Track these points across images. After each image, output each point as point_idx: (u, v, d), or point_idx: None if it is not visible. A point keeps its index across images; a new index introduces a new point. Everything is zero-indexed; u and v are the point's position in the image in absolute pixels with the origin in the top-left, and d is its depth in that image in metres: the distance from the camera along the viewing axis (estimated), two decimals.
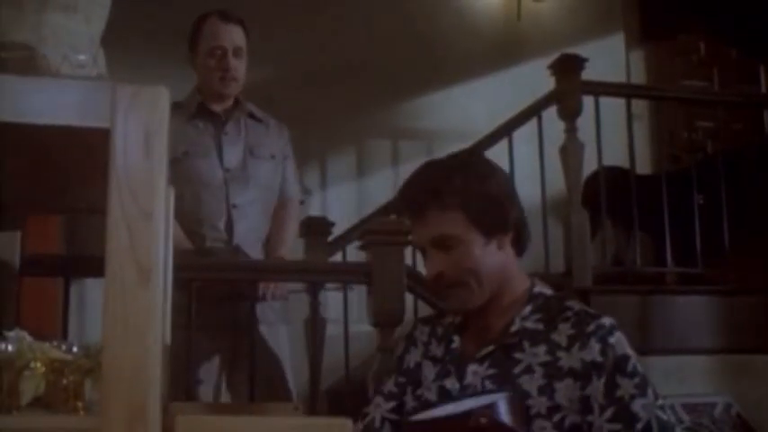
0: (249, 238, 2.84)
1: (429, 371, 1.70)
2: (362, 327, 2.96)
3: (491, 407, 1.42)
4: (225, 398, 2.85)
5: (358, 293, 3.20)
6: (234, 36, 2.85)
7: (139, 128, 0.81)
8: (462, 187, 1.62)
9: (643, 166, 4.83)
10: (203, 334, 2.69)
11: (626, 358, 1.53)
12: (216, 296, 2.75)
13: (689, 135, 5.42)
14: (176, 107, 2.87)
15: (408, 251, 2.63)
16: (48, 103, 0.81)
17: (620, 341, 1.55)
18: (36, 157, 0.97)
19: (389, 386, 1.77)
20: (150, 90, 0.82)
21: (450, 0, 5.39)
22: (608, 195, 3.88)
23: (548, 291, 1.69)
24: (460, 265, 1.62)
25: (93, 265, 0.87)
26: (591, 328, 1.55)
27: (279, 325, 2.88)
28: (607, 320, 1.58)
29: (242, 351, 2.74)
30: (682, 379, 3.57)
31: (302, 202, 3.13)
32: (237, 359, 2.79)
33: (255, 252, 2.86)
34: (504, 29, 5.45)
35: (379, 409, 1.74)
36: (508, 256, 1.67)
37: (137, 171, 0.80)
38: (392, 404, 1.74)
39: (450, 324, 1.74)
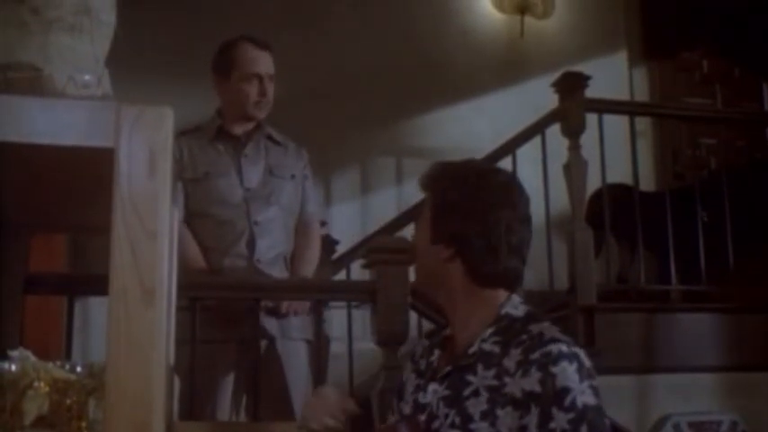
0: (270, 254, 2.88)
1: (411, 384, 1.72)
2: (366, 344, 2.95)
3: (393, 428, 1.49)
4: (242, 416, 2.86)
5: (362, 311, 3.20)
6: (268, 63, 2.92)
7: (144, 147, 0.81)
8: (443, 178, 1.71)
9: (647, 184, 4.84)
10: (219, 351, 2.70)
11: (566, 390, 1.46)
12: (233, 313, 2.76)
13: (692, 152, 5.42)
14: (196, 130, 2.91)
15: (413, 269, 2.63)
16: (53, 123, 0.81)
17: (564, 371, 1.47)
18: (41, 176, 0.97)
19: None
20: (154, 110, 0.83)
21: (454, 18, 5.41)
22: (612, 213, 3.87)
23: (518, 312, 1.63)
24: (414, 236, 1.79)
25: (98, 284, 0.87)
26: (535, 355, 1.49)
27: (300, 341, 2.89)
28: (556, 348, 1.49)
29: (260, 368, 2.73)
30: (687, 397, 3.56)
31: (324, 224, 3.15)
32: (254, 376, 2.79)
33: (276, 268, 2.89)
34: (507, 47, 5.46)
35: None
36: (454, 274, 1.64)
37: (141, 190, 0.81)
38: None
39: (440, 338, 1.76)
